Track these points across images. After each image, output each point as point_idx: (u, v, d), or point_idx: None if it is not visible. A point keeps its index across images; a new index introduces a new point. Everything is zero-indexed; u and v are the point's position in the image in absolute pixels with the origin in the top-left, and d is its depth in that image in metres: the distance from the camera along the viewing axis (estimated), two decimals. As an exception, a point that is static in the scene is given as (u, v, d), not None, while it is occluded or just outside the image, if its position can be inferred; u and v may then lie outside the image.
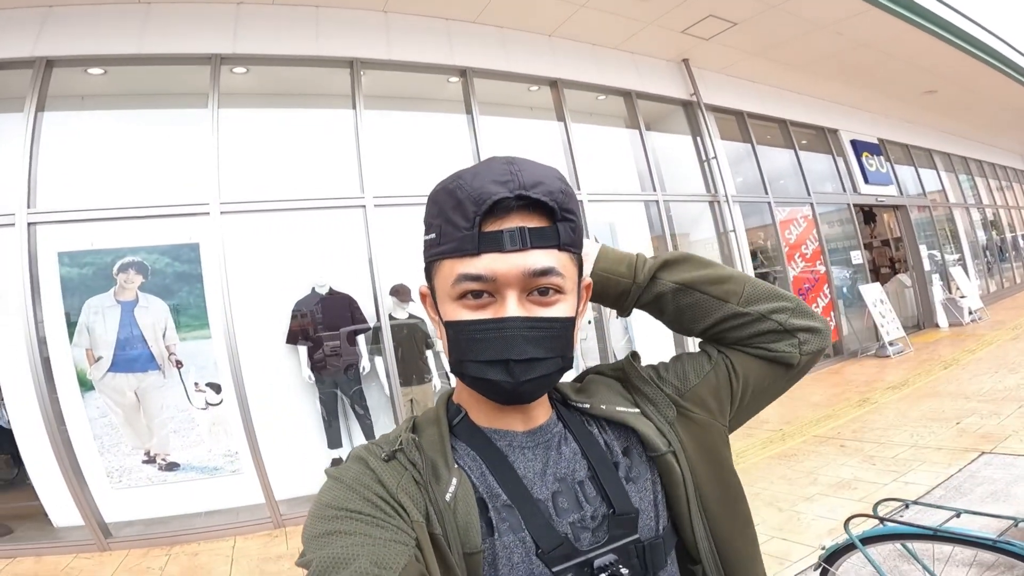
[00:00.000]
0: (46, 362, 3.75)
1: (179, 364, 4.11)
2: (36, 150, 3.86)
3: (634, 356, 0.79)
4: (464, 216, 0.59)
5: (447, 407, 0.71)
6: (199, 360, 4.15)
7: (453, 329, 0.62)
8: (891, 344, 7.71)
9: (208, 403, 4.17)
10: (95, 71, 4.26)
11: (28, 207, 3.74)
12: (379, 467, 0.61)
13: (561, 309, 0.63)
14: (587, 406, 0.73)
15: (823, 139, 8.87)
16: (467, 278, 0.60)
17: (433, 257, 0.64)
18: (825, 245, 8.07)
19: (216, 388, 4.19)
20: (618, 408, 0.72)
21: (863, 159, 9.18)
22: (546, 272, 0.60)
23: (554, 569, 0.58)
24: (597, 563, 0.60)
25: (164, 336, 4.08)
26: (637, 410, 0.73)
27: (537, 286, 0.61)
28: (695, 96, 6.81)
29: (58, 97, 4.09)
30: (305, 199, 4.49)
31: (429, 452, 0.64)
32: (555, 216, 0.61)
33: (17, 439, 3.87)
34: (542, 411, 0.71)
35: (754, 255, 7.38)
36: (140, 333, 4.01)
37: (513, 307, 0.60)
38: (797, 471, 3.97)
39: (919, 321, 9.89)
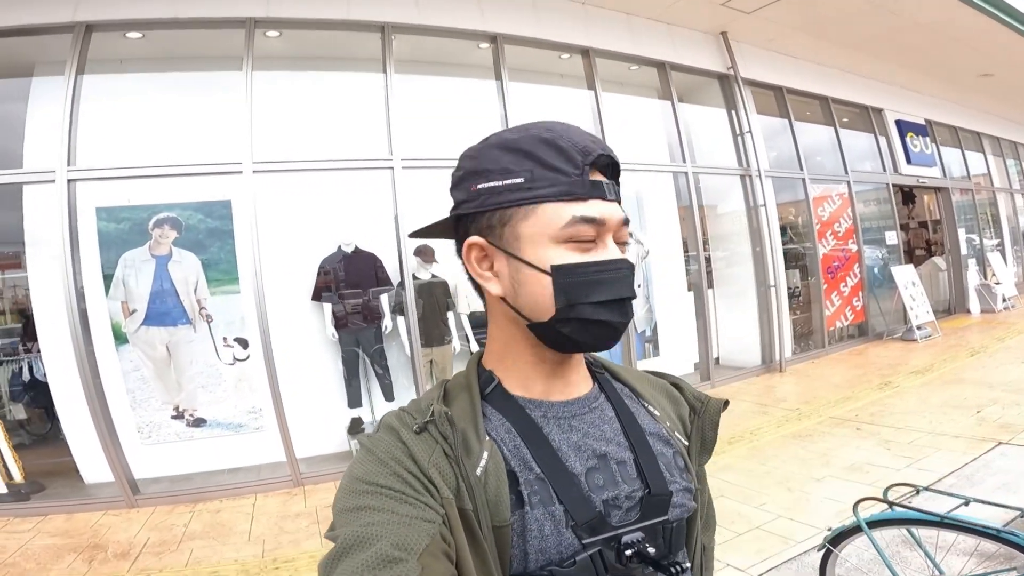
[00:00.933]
0: (83, 314, 3.90)
1: (209, 318, 4.24)
2: (76, 111, 3.96)
3: (726, 404, 0.79)
4: (571, 163, 0.60)
5: (478, 373, 0.70)
6: (228, 315, 4.27)
7: (566, 273, 0.60)
8: (919, 328, 7.56)
9: (236, 358, 4.31)
10: (133, 35, 4.32)
11: (68, 165, 3.86)
12: (411, 440, 0.60)
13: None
14: (656, 412, 0.73)
15: (866, 118, 8.57)
16: (583, 220, 0.60)
17: (520, 201, 0.61)
18: (859, 224, 7.88)
19: (244, 343, 4.32)
20: (676, 433, 0.73)
21: (907, 139, 8.86)
22: (627, 222, 0.65)
23: (584, 542, 0.59)
24: (625, 539, 0.60)
25: (195, 290, 4.20)
26: (687, 443, 0.74)
27: (622, 236, 0.65)
28: (732, 69, 6.60)
29: (98, 61, 4.18)
30: (335, 159, 4.54)
31: (460, 423, 0.63)
32: (619, 176, 0.66)
33: (52, 393, 4.05)
34: (582, 381, 0.71)
35: (783, 230, 7.24)
36: (172, 287, 4.15)
37: (616, 251, 0.63)
38: (811, 452, 3.97)
39: (950, 306, 9.66)
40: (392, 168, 4.57)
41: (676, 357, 6.15)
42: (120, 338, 4.07)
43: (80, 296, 3.89)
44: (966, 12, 6.30)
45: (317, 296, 4.64)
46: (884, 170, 8.56)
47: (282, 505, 3.85)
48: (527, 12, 5.39)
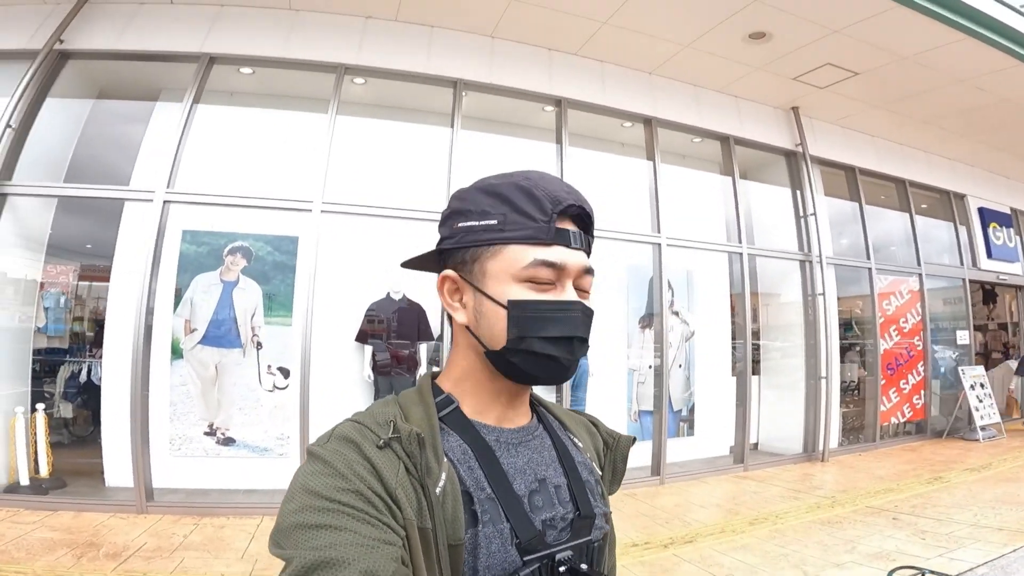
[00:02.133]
0: (148, 328, 4.53)
1: (259, 345, 4.80)
2: (185, 137, 4.75)
3: (634, 441, 0.96)
4: (541, 210, 0.71)
5: (433, 392, 0.77)
6: (276, 345, 4.83)
7: (519, 308, 0.70)
8: (983, 428, 7.57)
9: (275, 386, 4.82)
10: (246, 70, 5.21)
11: (168, 187, 4.60)
12: (375, 457, 0.64)
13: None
14: (579, 443, 0.87)
15: (946, 204, 8.65)
16: (543, 263, 0.71)
17: (489, 240, 0.72)
18: (928, 321, 7.92)
19: (285, 373, 4.84)
20: (594, 463, 0.87)
21: (989, 230, 8.89)
22: (590, 271, 0.76)
23: (525, 559, 0.67)
24: (559, 556, 0.69)
25: (252, 317, 4.80)
26: (601, 473, 0.89)
27: (582, 284, 0.75)
28: (800, 147, 6.92)
29: (213, 92, 5.04)
30: (396, 208, 5.11)
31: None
32: (591, 229, 0.78)
33: (102, 396, 4.60)
34: (526, 412, 0.83)
35: (848, 325, 7.27)
36: (234, 313, 4.76)
37: (573, 294, 0.73)
38: (836, 538, 4.03)
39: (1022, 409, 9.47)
40: (447, 221, 5.06)
41: (712, 438, 6.35)
42: (176, 353, 4.66)
43: (150, 312, 4.54)
44: None
45: (362, 338, 5.14)
46: (962, 264, 8.60)
47: (287, 531, 4.16)
48: (594, 78, 5.97)
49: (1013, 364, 9.67)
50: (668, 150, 6.28)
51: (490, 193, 0.74)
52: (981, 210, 8.85)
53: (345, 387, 5.15)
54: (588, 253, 0.76)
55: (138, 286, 4.47)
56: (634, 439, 0.96)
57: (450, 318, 0.79)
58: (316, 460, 0.64)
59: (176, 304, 4.66)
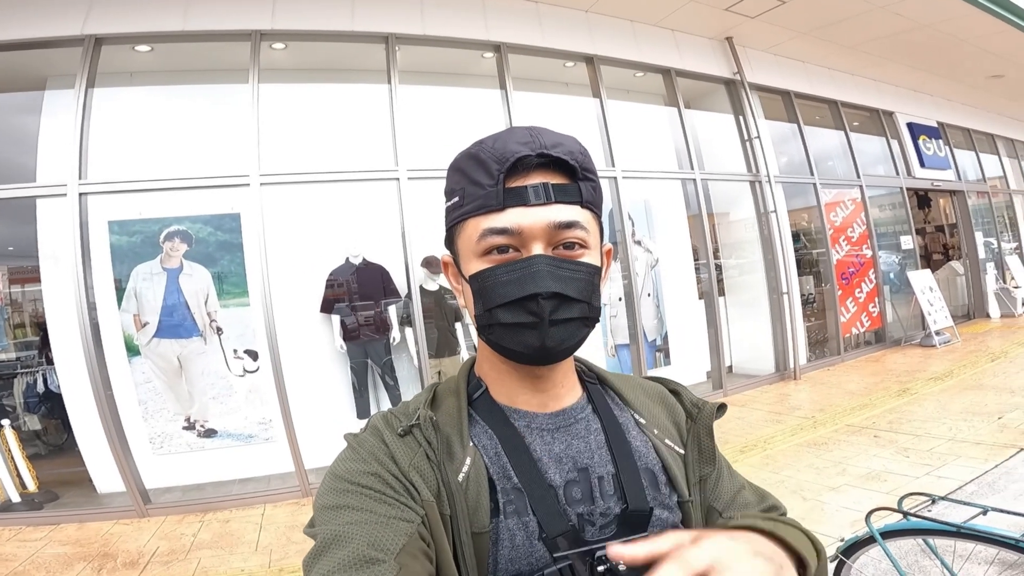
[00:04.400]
0: (95, 327, 3.94)
1: (219, 331, 4.27)
2: (87, 125, 4.02)
3: (722, 408, 0.76)
4: (488, 174, 0.60)
5: (468, 379, 0.71)
6: (238, 327, 4.30)
7: (478, 279, 0.62)
8: (937, 333, 7.40)
9: (246, 370, 4.32)
10: (142, 48, 4.40)
11: (80, 178, 3.92)
12: (393, 442, 0.61)
13: (587, 259, 0.63)
14: (642, 420, 0.71)
15: (877, 121, 8.46)
16: (492, 231, 0.60)
17: (456, 220, 0.64)
18: (873, 229, 7.75)
19: (253, 355, 4.34)
20: (666, 440, 0.71)
21: (920, 142, 8.73)
22: (571, 225, 0.61)
23: (555, 555, 0.59)
24: (599, 554, 0.59)
25: (206, 303, 4.24)
26: (683, 452, 0.72)
27: (563, 239, 0.61)
28: (738, 75, 6.56)
29: (108, 74, 4.25)
30: (341, 171, 4.56)
31: (445, 428, 0.64)
32: (576, 174, 0.62)
33: (66, 404, 4.09)
34: (568, 392, 0.70)
35: (796, 237, 7.15)
36: (184, 300, 4.18)
37: (540, 250, 0.60)
38: (826, 460, 3.88)
39: (969, 311, 9.48)
40: (398, 179, 4.59)
41: (688, 366, 6.06)
42: (132, 350, 4.11)
43: (92, 309, 3.93)
44: (968, 11, 6.22)
45: (326, 308, 4.65)
46: (897, 174, 8.43)
47: (290, 515, 3.84)
48: (531, 21, 5.42)
49: (957, 265, 9.71)
50: (613, 86, 5.85)
51: (454, 168, 0.66)
52: (910, 125, 8.68)
53: (319, 360, 4.69)
54: (581, 201, 0.62)
55: (72, 285, 3.83)
56: (720, 406, 0.75)
57: None
58: (346, 448, 0.64)
59: (119, 299, 4.05)
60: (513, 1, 5.33)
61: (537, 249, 0.60)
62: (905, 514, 1.69)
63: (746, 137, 6.64)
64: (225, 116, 4.54)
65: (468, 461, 0.61)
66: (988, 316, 9.11)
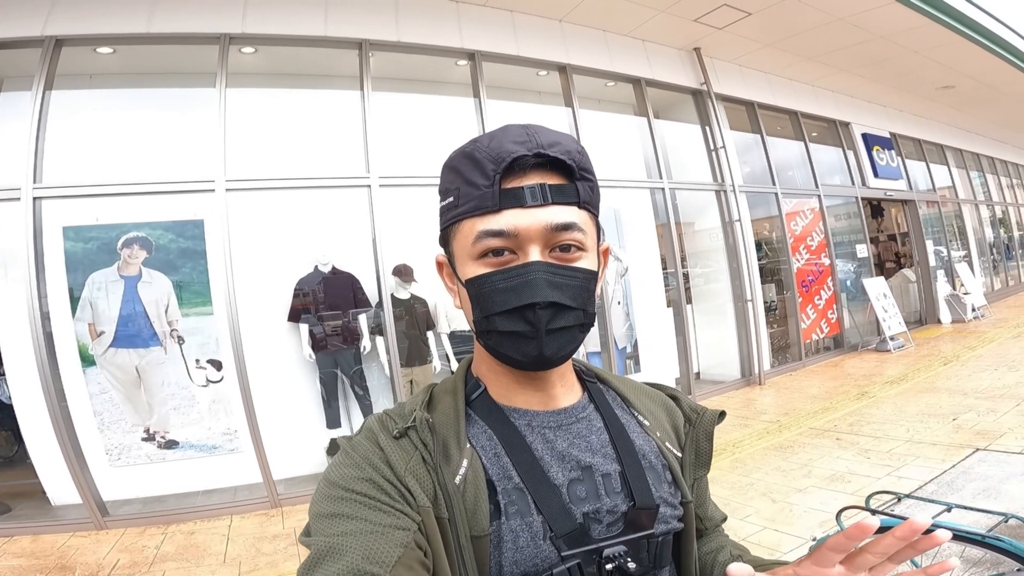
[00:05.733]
0: (48, 337, 3.79)
1: (180, 340, 4.15)
2: (43, 127, 3.87)
3: (722, 415, 0.78)
4: (483, 174, 0.59)
5: (465, 378, 0.70)
6: (201, 337, 4.19)
7: (475, 285, 0.61)
8: (892, 339, 7.74)
9: (209, 380, 4.21)
10: (104, 50, 4.26)
11: (34, 182, 3.77)
12: (389, 446, 0.60)
13: (584, 263, 0.62)
14: (646, 422, 0.72)
15: (834, 132, 8.82)
16: (488, 234, 0.59)
17: (451, 220, 0.63)
18: (831, 238, 8.07)
19: (217, 365, 4.23)
20: (666, 443, 0.72)
21: (874, 153, 9.13)
22: (568, 227, 0.60)
23: (563, 554, 0.58)
24: (606, 552, 0.59)
25: (166, 311, 4.11)
26: (680, 455, 0.73)
27: (559, 242, 0.60)
28: (705, 85, 6.76)
29: (67, 76, 4.11)
30: (310, 178, 4.50)
31: (442, 429, 0.63)
32: (574, 175, 0.61)
33: (18, 415, 3.91)
34: (568, 391, 0.69)
35: (758, 246, 7.38)
36: (143, 308, 4.05)
37: (537, 256, 0.59)
38: (792, 463, 4.01)
39: (922, 316, 9.92)
40: (369, 186, 4.56)
41: (657, 373, 6.17)
42: (87, 360, 3.95)
43: (45, 318, 3.78)
44: (923, 23, 6.53)
45: (293, 317, 4.57)
46: (853, 184, 8.80)
47: (259, 527, 3.77)
48: (506, 29, 5.47)
49: (909, 273, 10.17)
50: (584, 95, 5.95)
51: (448, 168, 0.64)
52: (864, 135, 9.07)
53: (286, 370, 4.59)
54: (578, 202, 0.61)
55: (24, 294, 3.68)
56: (721, 413, 0.78)
57: None
58: (340, 452, 0.62)
59: (74, 308, 3.91)
60: (488, 9, 5.38)
61: (534, 252, 0.59)
62: (873, 512, 1.77)
63: (712, 147, 6.83)
64: (190, 121, 4.43)
65: (465, 463, 0.60)
66: (939, 322, 9.56)
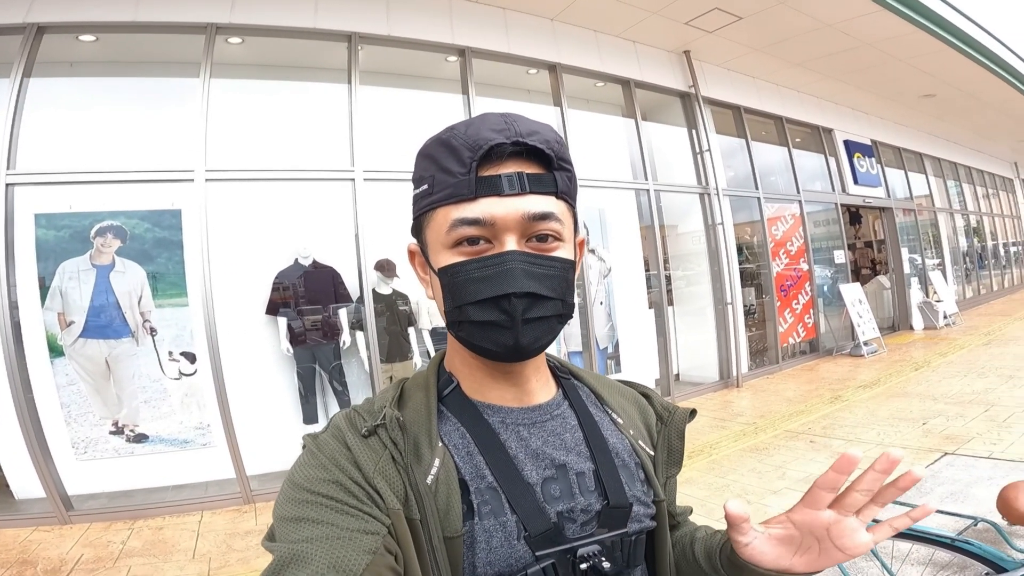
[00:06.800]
0: (16, 327, 3.72)
1: (153, 331, 4.09)
2: (19, 114, 3.80)
3: (693, 413, 0.78)
4: (459, 162, 0.58)
5: (438, 373, 0.68)
6: (174, 328, 4.14)
7: (448, 273, 0.60)
8: (866, 344, 7.96)
9: (182, 373, 4.17)
10: (87, 38, 4.19)
11: (8, 168, 3.69)
12: (357, 445, 0.58)
13: (561, 253, 0.62)
14: (619, 420, 0.72)
15: (817, 138, 9.00)
16: (464, 222, 0.58)
17: (425, 208, 0.62)
18: (810, 243, 8.25)
19: (191, 358, 4.18)
20: (639, 442, 0.72)
21: (855, 160, 9.33)
22: (545, 216, 0.59)
23: (537, 553, 0.58)
24: (581, 552, 0.60)
25: (139, 302, 4.05)
26: (653, 453, 0.73)
27: (536, 231, 0.60)
28: (693, 88, 6.85)
29: (47, 63, 4.03)
30: (294, 170, 4.47)
31: (412, 427, 0.61)
32: (552, 164, 0.61)
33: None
34: (543, 387, 0.69)
35: (740, 250, 7.51)
36: (115, 299, 3.98)
37: (513, 245, 0.59)
38: (767, 464, 4.12)
39: (895, 323, 10.20)
40: (353, 180, 4.54)
41: (637, 374, 6.25)
42: (56, 351, 3.88)
43: (13, 307, 3.70)
44: (909, 30, 6.67)
45: (272, 310, 4.54)
46: (833, 190, 8.99)
47: (231, 523, 3.75)
48: (497, 26, 5.48)
49: (884, 280, 10.45)
50: (573, 95, 5.99)
51: (423, 155, 0.63)
52: (846, 142, 9.26)
53: (263, 364, 4.56)
54: (556, 192, 0.61)
55: (-7, 281, 3.61)
56: (693, 412, 0.77)
57: None
58: (305, 451, 0.61)
59: (43, 297, 3.82)
60: (481, 6, 5.39)
61: (510, 242, 0.58)
62: None
63: (698, 150, 6.93)
64: (171, 110, 4.38)
65: (437, 462, 0.59)
66: (912, 328, 9.85)
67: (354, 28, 4.76)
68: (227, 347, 4.15)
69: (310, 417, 4.63)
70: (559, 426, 0.67)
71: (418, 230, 0.65)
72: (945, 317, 9.91)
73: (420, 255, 0.66)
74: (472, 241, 0.59)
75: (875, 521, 0.58)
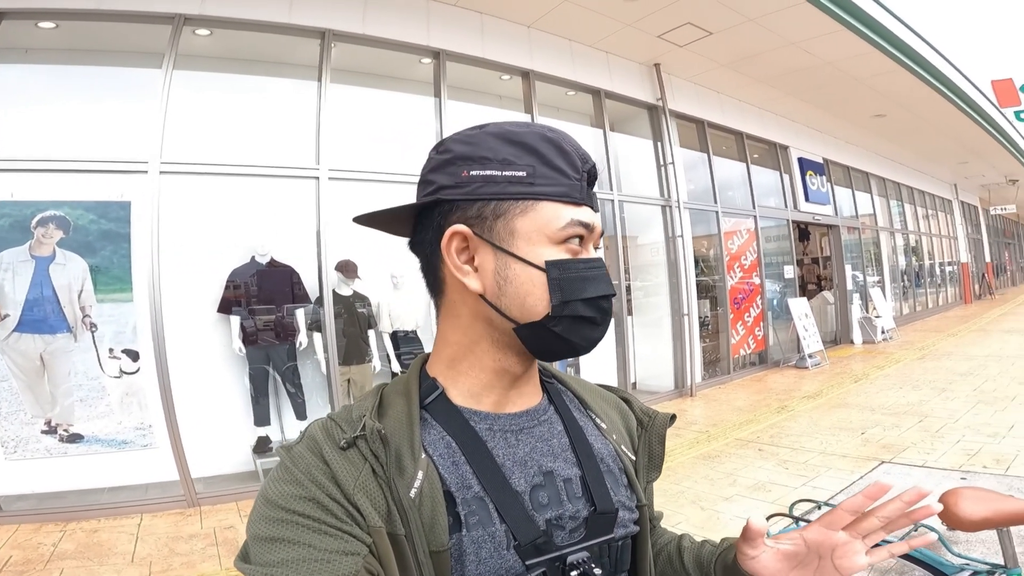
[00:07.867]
0: (-56, 317, 3.49)
1: (93, 327, 3.92)
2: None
3: (673, 418, 0.80)
4: (572, 166, 0.62)
5: (420, 379, 0.66)
6: (117, 325, 3.99)
7: (560, 268, 0.60)
8: (810, 356, 8.35)
9: (123, 371, 4.01)
10: (46, 25, 3.98)
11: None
12: (335, 460, 0.56)
13: None
14: (603, 425, 0.74)
15: (774, 154, 9.32)
16: (580, 224, 0.62)
17: (518, 195, 0.60)
18: (763, 258, 8.58)
19: (133, 356, 4.03)
20: (622, 447, 0.73)
21: (807, 177, 9.72)
22: (602, 235, 0.68)
23: (528, 562, 0.58)
24: (571, 559, 0.60)
25: (80, 296, 3.88)
26: (635, 458, 0.75)
27: (598, 245, 0.67)
28: (661, 101, 7.03)
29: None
30: (255, 165, 4.37)
31: (394, 438, 0.59)
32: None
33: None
34: (533, 392, 0.70)
35: (696, 263, 7.75)
36: (52, 291, 3.80)
37: (595, 253, 0.65)
38: (719, 472, 4.28)
39: (836, 336, 10.71)
40: (318, 178, 4.47)
41: (595, 382, 6.35)
42: (-13, 345, 3.67)
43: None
44: (869, 50, 6.94)
45: (224, 308, 4.41)
46: (786, 207, 9.35)
47: (174, 526, 3.67)
48: (474, 30, 5.49)
49: (829, 295, 10.97)
50: (545, 103, 6.06)
51: (511, 141, 0.61)
52: (801, 160, 9.63)
53: (212, 363, 4.44)
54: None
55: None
56: (672, 416, 0.79)
57: (433, 286, 0.66)
58: (279, 465, 0.58)
59: (-24, 288, 3.62)
60: (458, 9, 5.38)
61: (592, 250, 0.65)
62: (796, 519, 1.95)
63: (662, 163, 7.11)
64: (128, 101, 4.22)
65: (420, 475, 0.57)
66: (852, 342, 10.39)
67: (328, 25, 4.69)
68: (174, 345, 4.03)
69: (262, 419, 4.54)
70: (546, 431, 0.67)
71: (478, 214, 0.61)
72: (883, 332, 10.50)
73: (470, 240, 0.61)
74: (577, 241, 0.62)
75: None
